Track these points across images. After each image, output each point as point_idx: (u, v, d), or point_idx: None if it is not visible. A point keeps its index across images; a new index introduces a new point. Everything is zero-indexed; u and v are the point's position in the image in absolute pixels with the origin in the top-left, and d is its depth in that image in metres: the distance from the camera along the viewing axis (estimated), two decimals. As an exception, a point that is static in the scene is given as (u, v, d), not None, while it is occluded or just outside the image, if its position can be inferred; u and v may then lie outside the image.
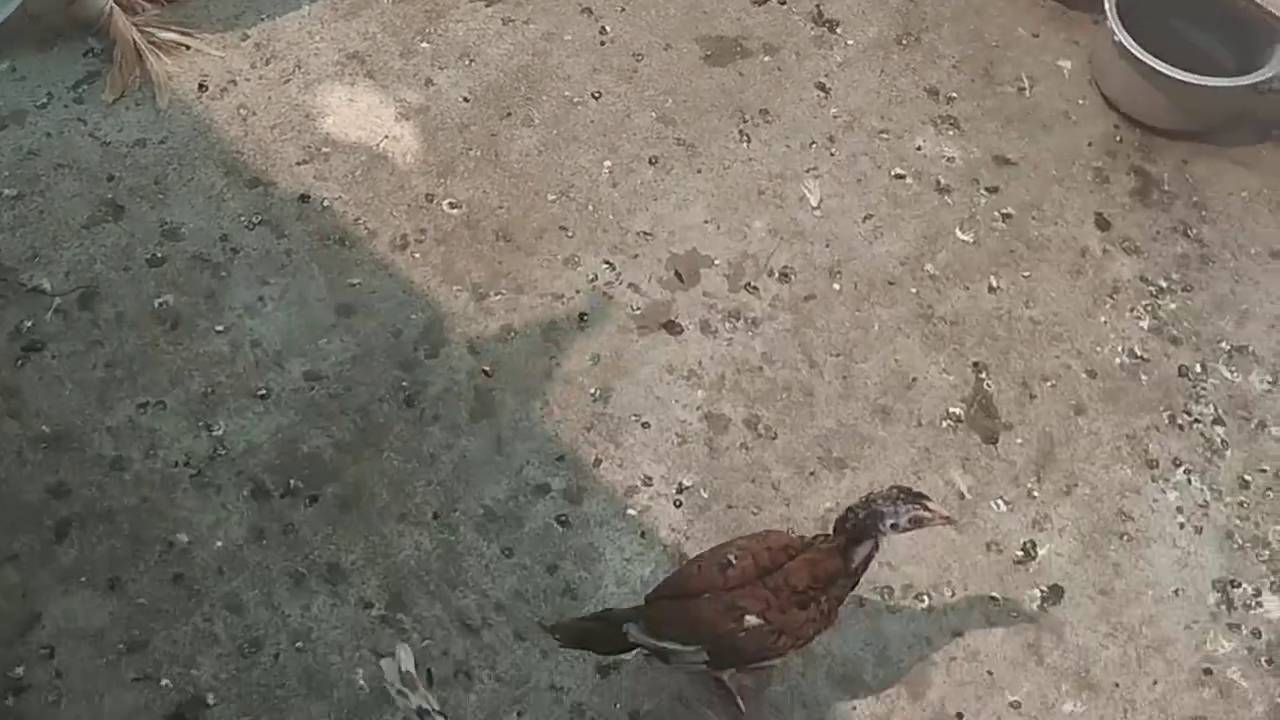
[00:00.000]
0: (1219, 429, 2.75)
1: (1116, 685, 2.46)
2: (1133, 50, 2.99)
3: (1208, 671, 2.49)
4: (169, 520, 2.43)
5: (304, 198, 2.84)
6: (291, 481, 2.50)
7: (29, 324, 2.60)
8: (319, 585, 2.40)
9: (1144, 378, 2.81)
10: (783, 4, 3.27)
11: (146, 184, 2.81)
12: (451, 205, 2.88)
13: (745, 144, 3.05)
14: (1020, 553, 2.58)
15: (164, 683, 2.27)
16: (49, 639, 2.29)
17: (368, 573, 2.42)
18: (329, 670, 2.32)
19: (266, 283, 2.72)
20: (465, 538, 2.48)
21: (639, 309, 2.79)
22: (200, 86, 2.97)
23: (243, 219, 2.79)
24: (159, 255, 2.72)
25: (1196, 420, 2.77)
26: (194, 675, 2.29)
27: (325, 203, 2.84)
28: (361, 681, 2.31)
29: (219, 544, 2.42)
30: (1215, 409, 2.78)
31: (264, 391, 2.59)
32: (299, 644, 2.34)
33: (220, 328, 2.65)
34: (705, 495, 2.59)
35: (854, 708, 2.39)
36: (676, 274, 2.85)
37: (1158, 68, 2.97)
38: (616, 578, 2.47)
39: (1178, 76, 2.96)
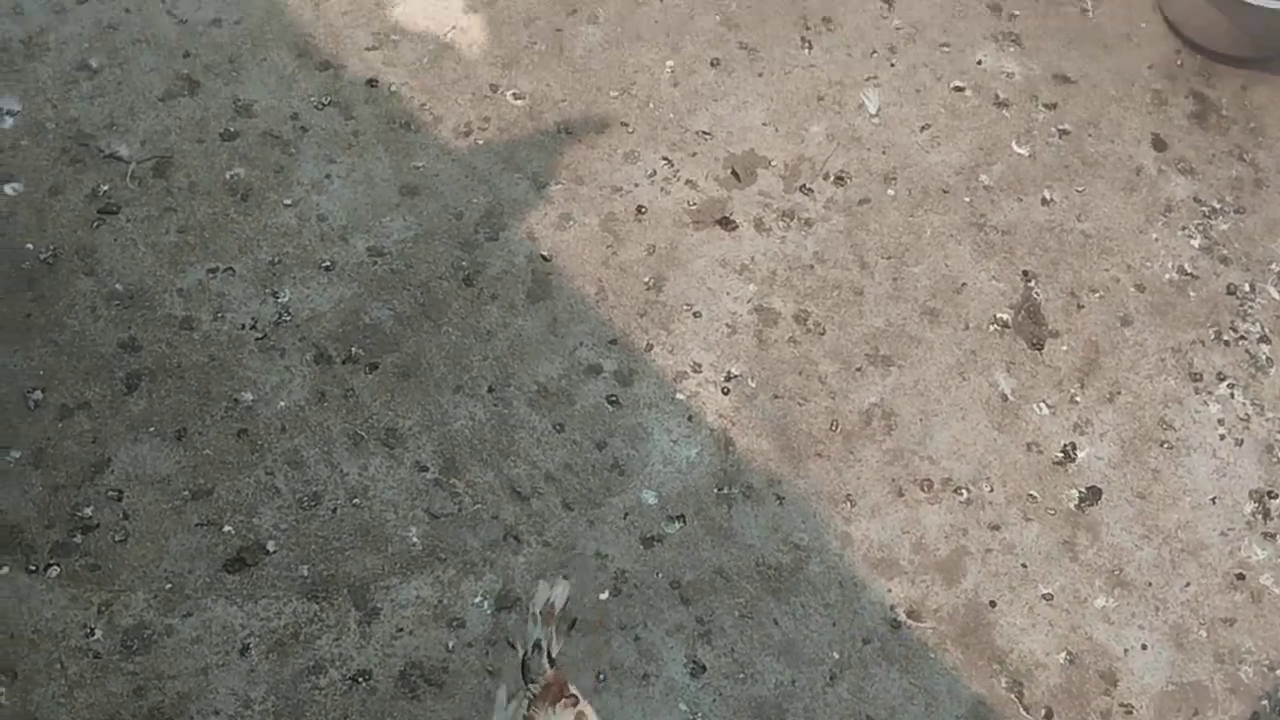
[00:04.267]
0: (1264, 347, 2.78)
1: (1149, 584, 2.51)
2: (1199, -29, 2.99)
3: (1240, 577, 2.53)
4: (235, 379, 2.51)
5: (372, 82, 2.90)
6: (353, 349, 2.57)
7: (105, 188, 2.68)
8: (376, 447, 2.47)
9: (1192, 294, 2.84)
10: (850, -84, 3.29)
11: (221, 61, 2.87)
12: (515, 96, 2.93)
13: (807, 50, 3.08)
14: (1060, 454, 2.62)
15: (226, 529, 2.36)
16: (118, 483, 2.38)
17: (423, 438, 2.49)
18: (384, 526, 2.40)
19: (333, 161, 2.78)
20: (518, 411, 2.55)
21: (695, 204, 2.84)
22: (275, -29, 3.03)
23: (312, 99, 2.85)
24: (231, 130, 2.79)
25: (1242, 337, 2.79)
26: (255, 523, 2.37)
27: (392, 88, 2.90)
28: (415, 539, 2.39)
29: (282, 404, 2.50)
30: (1261, 327, 2.80)
31: (328, 264, 2.66)
32: (356, 500, 2.42)
33: (288, 201, 2.72)
34: (752, 384, 2.64)
35: (889, 590, 2.45)
36: (733, 173, 2.89)
37: (1223, -10, 2.97)
38: (663, 457, 2.54)
39: (1243, -1, 2.97)
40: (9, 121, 2.73)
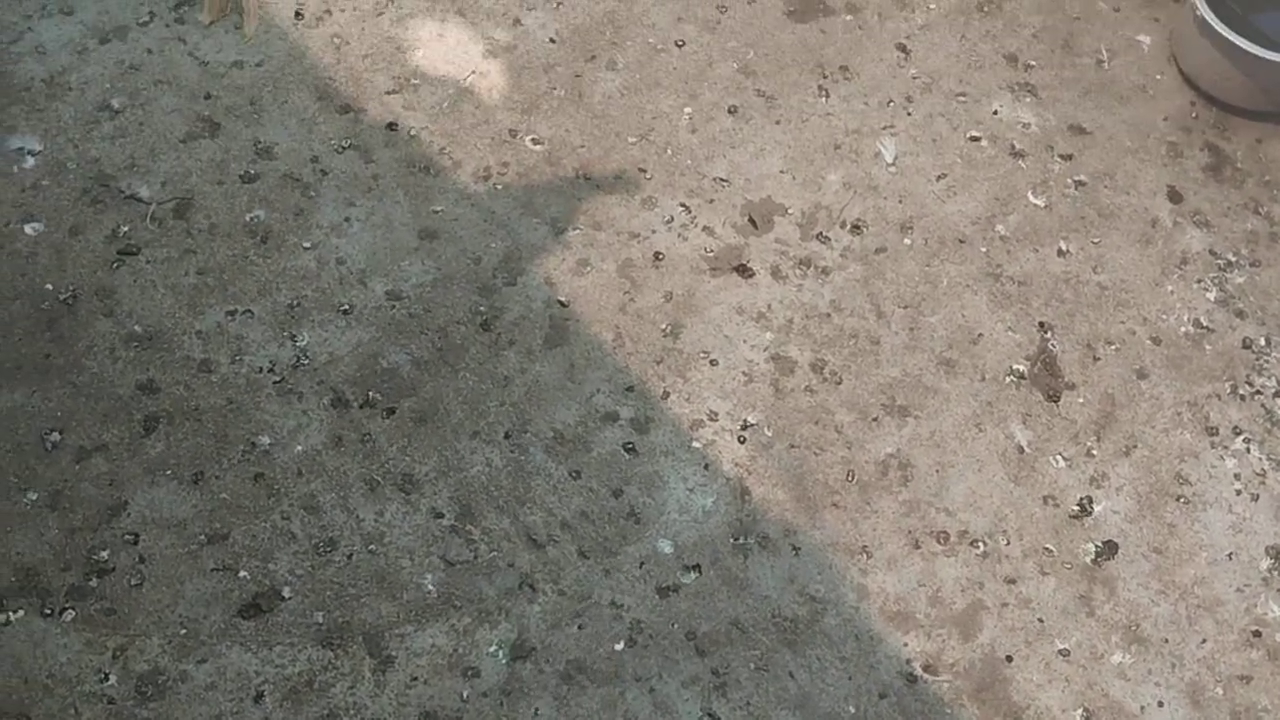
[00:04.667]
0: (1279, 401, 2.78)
1: (1165, 641, 2.50)
2: (1214, 25, 3.01)
3: (1257, 634, 2.52)
4: (252, 422, 2.51)
5: (392, 126, 2.91)
6: (370, 394, 2.57)
7: (126, 229, 2.69)
8: (393, 493, 2.47)
9: (1208, 347, 2.84)
10: (867, -35, 3.32)
11: (242, 104, 2.89)
12: (534, 141, 2.94)
13: (824, 99, 3.10)
14: (1076, 508, 2.62)
15: (242, 574, 2.36)
16: (134, 526, 2.38)
17: (440, 484, 2.49)
18: (399, 573, 2.39)
19: (353, 204, 2.79)
20: (535, 458, 2.55)
21: (712, 251, 2.85)
22: (296, 14, 3.05)
23: (333, 142, 2.87)
24: (252, 172, 2.80)
25: (1258, 392, 2.79)
26: (271, 569, 2.37)
27: (412, 132, 2.91)
28: (430, 586, 2.39)
29: (299, 448, 2.50)
30: (1277, 382, 2.80)
31: (347, 307, 2.66)
32: (372, 547, 2.41)
33: (308, 244, 2.73)
34: (769, 433, 2.64)
35: (905, 644, 2.44)
36: (750, 220, 2.90)
37: (1238, 44, 2.99)
38: (679, 506, 2.53)
39: (1258, 54, 2.99)
40: (30, 161, 2.75)
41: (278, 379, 2.57)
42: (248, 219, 2.74)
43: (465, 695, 2.29)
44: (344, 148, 2.87)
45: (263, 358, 2.58)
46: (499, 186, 2.87)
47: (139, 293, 2.62)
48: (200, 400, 2.52)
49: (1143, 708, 2.42)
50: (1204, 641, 2.50)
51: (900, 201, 2.96)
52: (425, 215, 2.80)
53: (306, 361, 2.59)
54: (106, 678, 2.23)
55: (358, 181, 2.82)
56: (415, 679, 2.30)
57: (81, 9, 2.96)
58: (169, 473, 2.44)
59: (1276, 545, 2.61)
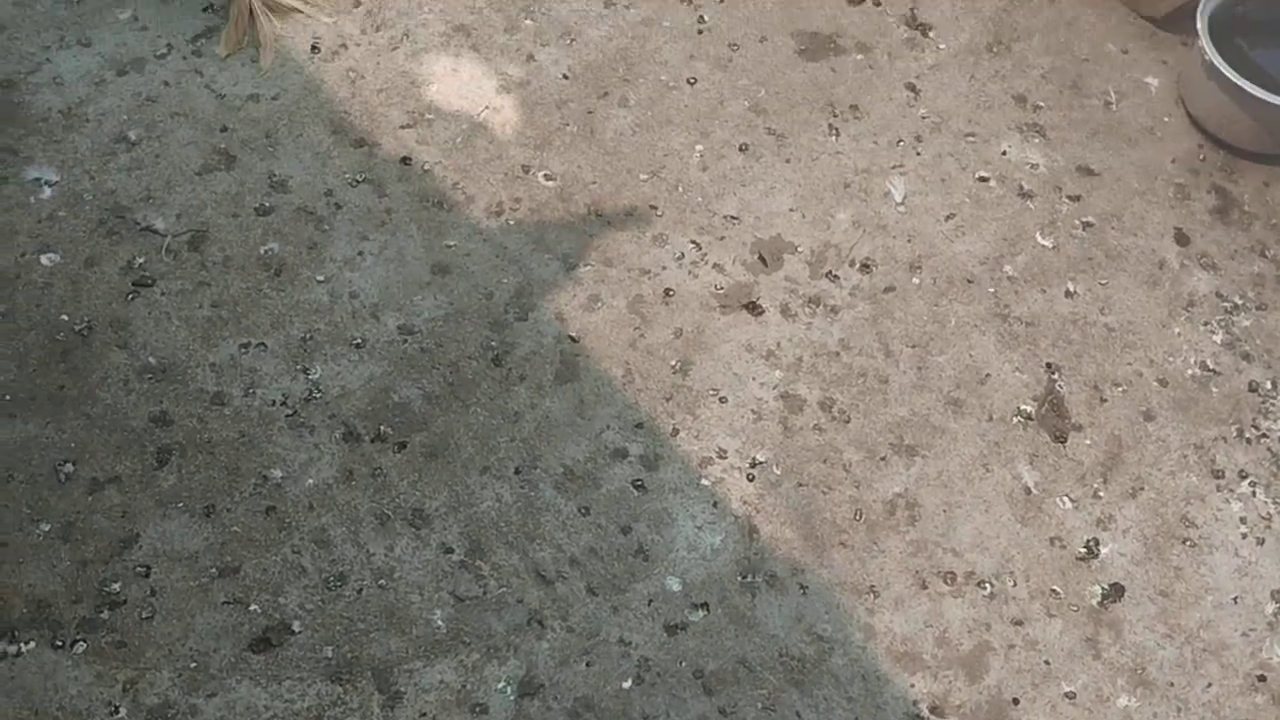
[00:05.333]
0: (1286, 445, 2.80)
1: (1171, 685, 2.50)
2: (1222, 70, 3.04)
3: (1261, 679, 2.53)
4: (264, 455, 2.52)
5: (406, 160, 2.94)
6: (381, 428, 2.59)
7: (141, 261, 2.71)
8: (403, 528, 2.48)
9: (1214, 390, 2.86)
10: (877, 5, 3.35)
11: (258, 137, 2.92)
12: (546, 177, 2.97)
13: (834, 138, 3.12)
14: (1083, 550, 2.63)
15: (252, 608, 2.37)
16: (146, 559, 2.39)
17: (450, 519, 2.51)
18: (409, 608, 2.40)
19: (366, 238, 2.81)
20: (544, 494, 2.56)
21: (722, 289, 2.87)
22: (313, 48, 3.08)
23: (347, 176, 2.89)
24: (266, 205, 2.82)
25: (1264, 435, 2.81)
26: (281, 603, 2.38)
27: (426, 166, 2.93)
28: (439, 621, 2.40)
29: (310, 481, 2.51)
30: (1284, 425, 2.82)
31: (359, 341, 2.68)
32: (381, 581, 2.42)
33: (321, 278, 2.75)
34: (778, 471, 2.65)
35: (912, 685, 2.45)
36: (760, 258, 2.92)
37: (1246, 88, 3.02)
38: (688, 543, 2.55)
39: (1265, 98, 3.01)
40: (47, 192, 2.77)
41: (290, 412, 2.58)
42: (262, 252, 2.76)
43: (473, 732, 2.30)
44: (358, 181, 2.89)
45: (275, 391, 2.60)
46: (511, 222, 2.89)
47: (153, 325, 2.64)
48: (213, 433, 2.53)
49: (1148, 752, 2.43)
50: (1209, 685, 2.51)
51: (909, 241, 2.98)
52: (438, 250, 2.82)
53: (319, 395, 2.61)
54: (116, 710, 2.23)
55: (371, 215, 2.85)
56: (423, 715, 2.31)
57: (99, 41, 2.99)
58: (181, 505, 2.45)
59: (1282, 589, 2.62)
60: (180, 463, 2.49)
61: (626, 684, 2.39)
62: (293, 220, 2.82)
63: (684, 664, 2.42)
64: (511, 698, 2.34)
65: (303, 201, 2.84)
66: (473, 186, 2.93)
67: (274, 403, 2.59)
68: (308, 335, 2.68)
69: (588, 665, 2.40)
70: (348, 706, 2.30)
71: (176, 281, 2.70)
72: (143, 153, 2.86)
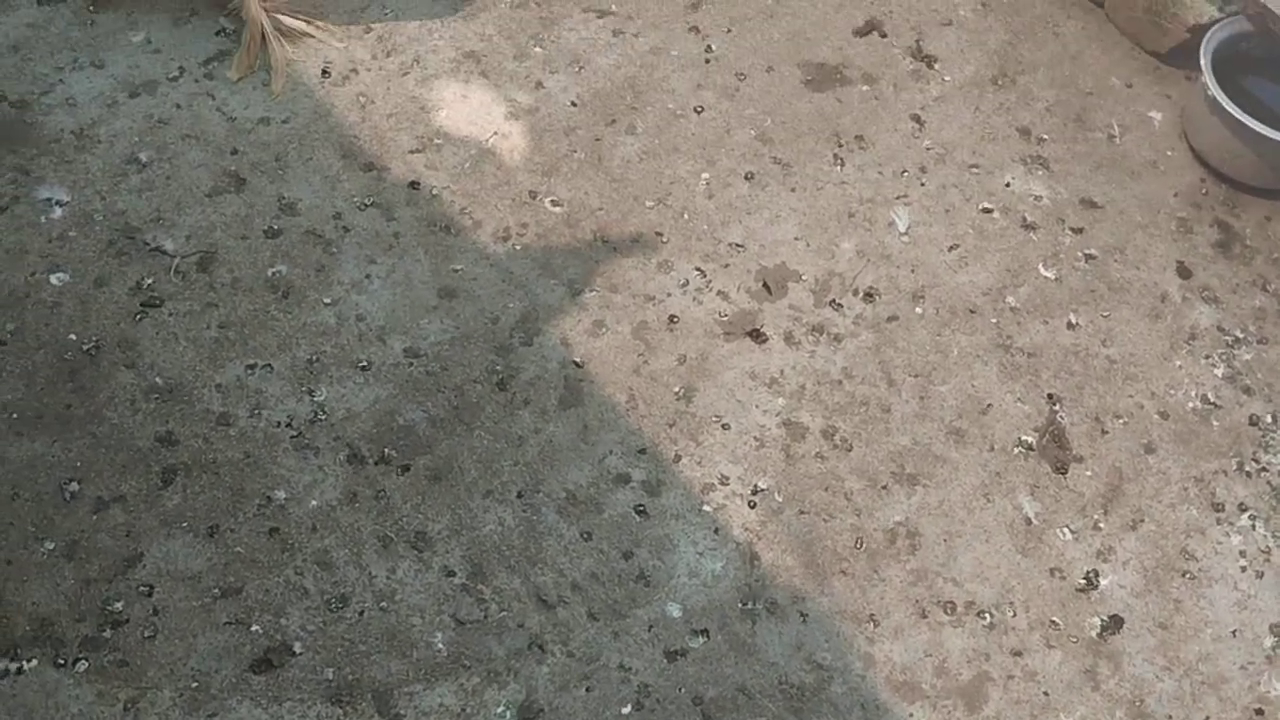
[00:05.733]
0: (1287, 479, 2.80)
1: (1169, 717, 2.51)
2: (1225, 106, 3.06)
3: (1259, 712, 2.53)
4: (269, 476, 2.54)
5: (414, 185, 2.96)
6: (386, 450, 2.60)
7: (149, 281, 2.73)
8: (405, 550, 2.50)
9: (1215, 423, 2.87)
10: (884, 36, 3.38)
11: (268, 160, 2.94)
12: (553, 203, 2.99)
13: (839, 167, 3.14)
14: (1083, 581, 2.64)
15: (254, 628, 2.38)
16: (149, 578, 2.40)
17: (452, 543, 2.52)
18: (410, 631, 2.41)
19: (374, 262, 2.83)
20: (547, 518, 2.57)
21: (726, 316, 2.88)
22: (323, 73, 3.11)
23: (355, 200, 2.92)
24: (275, 227, 2.85)
25: (1264, 469, 2.82)
26: (283, 624, 2.39)
27: (434, 191, 2.96)
28: (440, 645, 2.40)
29: (314, 503, 2.52)
30: (1284, 459, 2.83)
31: (365, 364, 2.70)
32: (383, 604, 2.43)
33: (328, 300, 2.77)
34: (779, 499, 2.67)
35: (911, 714, 2.45)
36: (765, 285, 2.94)
37: (1249, 124, 3.04)
38: (689, 569, 2.55)
39: (1268, 134, 3.03)
40: (58, 212, 2.79)
41: (295, 434, 2.60)
42: (270, 274, 2.78)
43: (472, 756, 2.31)
44: (366, 205, 2.91)
45: (281, 412, 2.62)
46: (518, 247, 2.91)
47: (161, 345, 2.66)
48: (218, 453, 2.55)
49: (1147, 785, 2.43)
50: (1207, 718, 2.51)
51: (913, 271, 3.00)
52: (445, 274, 2.84)
53: (324, 417, 2.63)
54: (117, 730, 2.24)
55: (379, 239, 2.87)
56: (423, 738, 2.31)
57: (112, 63, 3.02)
58: (185, 525, 2.46)
59: (1282, 624, 2.62)
60: (185, 483, 2.51)
61: (626, 710, 2.39)
62: (301, 243, 2.84)
63: (683, 690, 2.42)
64: (511, 722, 2.35)
65: (311, 224, 2.87)
66: (480, 211, 2.95)
67: (279, 424, 2.60)
68: (314, 357, 2.69)
69: (587, 690, 2.41)
70: (348, 728, 2.30)
71: (184, 302, 2.72)
72: (153, 174, 2.89)
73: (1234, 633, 2.61)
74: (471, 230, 2.92)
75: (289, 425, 2.61)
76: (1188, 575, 2.67)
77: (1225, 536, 2.72)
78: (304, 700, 2.32)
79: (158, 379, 2.62)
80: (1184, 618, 2.62)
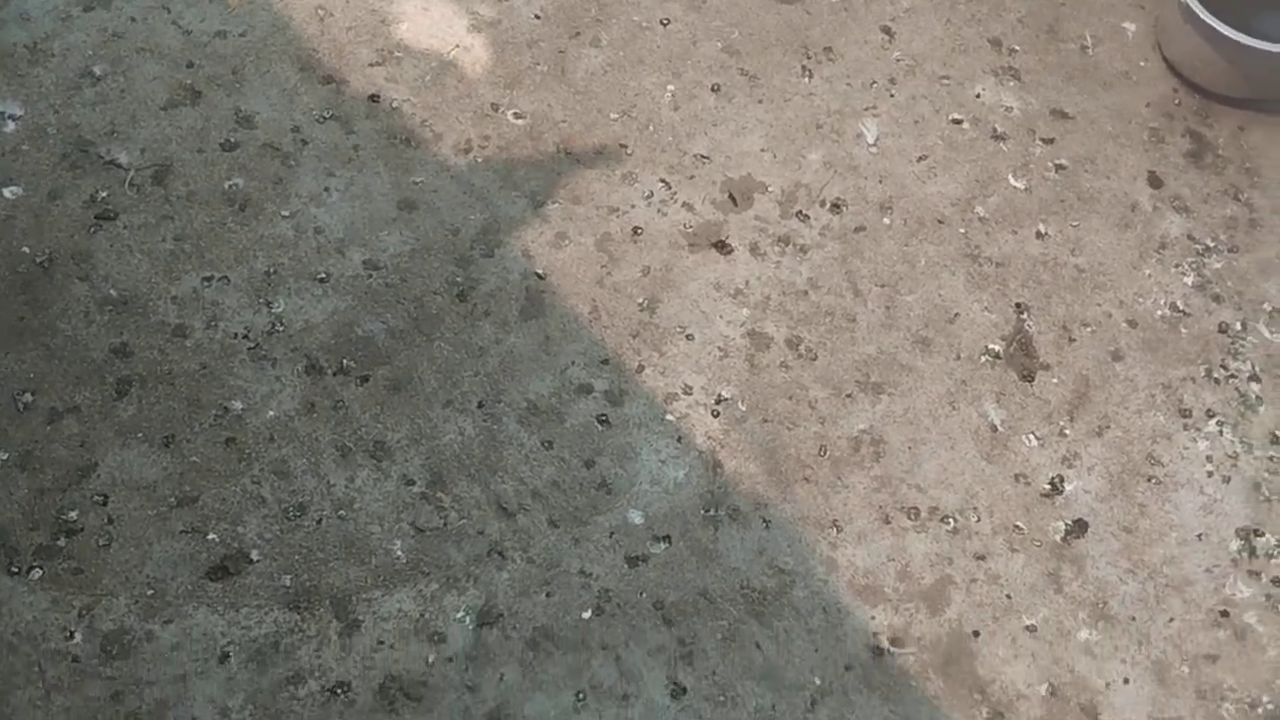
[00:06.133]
0: (1254, 385, 2.78)
1: (1133, 619, 2.50)
2: (1198, 13, 3.01)
3: (1224, 614, 2.53)
4: (225, 387, 2.51)
5: (374, 98, 2.92)
6: (344, 361, 2.58)
7: (104, 194, 2.69)
8: (364, 460, 2.48)
9: (1184, 331, 2.84)
10: (853, -52, 3.32)
11: (224, 73, 2.90)
12: (516, 116, 2.95)
13: (807, 79, 3.10)
14: (1048, 486, 2.62)
15: (210, 536, 2.36)
16: (104, 488, 2.38)
17: (411, 452, 2.50)
18: (369, 539, 2.40)
19: (333, 174, 2.79)
20: (507, 428, 2.55)
21: (691, 227, 2.85)
22: (281, -14, 3.05)
23: (314, 113, 2.87)
24: (232, 140, 2.80)
25: (1232, 375, 2.80)
26: (239, 532, 2.37)
27: (394, 104, 2.91)
28: (399, 552, 2.39)
29: (271, 413, 2.50)
30: (1252, 366, 2.81)
31: (323, 276, 2.67)
32: (341, 512, 2.42)
33: (286, 213, 2.73)
34: (743, 408, 2.64)
35: (873, 617, 2.44)
36: (730, 197, 2.90)
37: (1223, 32, 2.99)
38: (651, 477, 2.54)
39: (1242, 41, 2.99)
40: (11, 126, 2.75)
41: (252, 345, 2.57)
42: (226, 187, 2.74)
43: (430, 660, 2.30)
44: (325, 118, 2.87)
45: (238, 324, 2.59)
46: (479, 159, 2.87)
47: (115, 257, 2.62)
48: (174, 365, 2.52)
49: (1108, 684, 2.43)
50: (1171, 620, 2.51)
51: (880, 182, 2.97)
52: (405, 186, 2.81)
53: (281, 329, 2.60)
54: (72, 636, 2.23)
55: (338, 152, 2.83)
56: (381, 643, 2.30)
57: (66, -24, 2.97)
58: (140, 435, 2.44)
59: (1247, 527, 2.61)
60: (140, 394, 2.48)
61: (586, 614, 2.38)
62: (258, 156, 2.80)
63: (644, 595, 2.41)
64: (470, 627, 2.34)
65: (269, 137, 2.83)
66: (441, 124, 2.91)
67: (236, 336, 2.57)
68: (271, 270, 2.66)
69: (547, 596, 2.39)
70: (305, 634, 2.29)
71: (139, 215, 2.69)
72: (108, 88, 2.84)
73: (1199, 536, 2.60)
74: (432, 143, 2.88)
75: (246, 337, 2.58)
76: (1153, 480, 2.65)
77: (1192, 442, 2.71)
78: (261, 606, 2.30)
79: (112, 291, 2.59)
80: (1149, 522, 2.61)
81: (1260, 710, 2.43)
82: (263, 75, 2.91)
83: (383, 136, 2.87)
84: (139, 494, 2.39)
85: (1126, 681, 2.43)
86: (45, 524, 2.33)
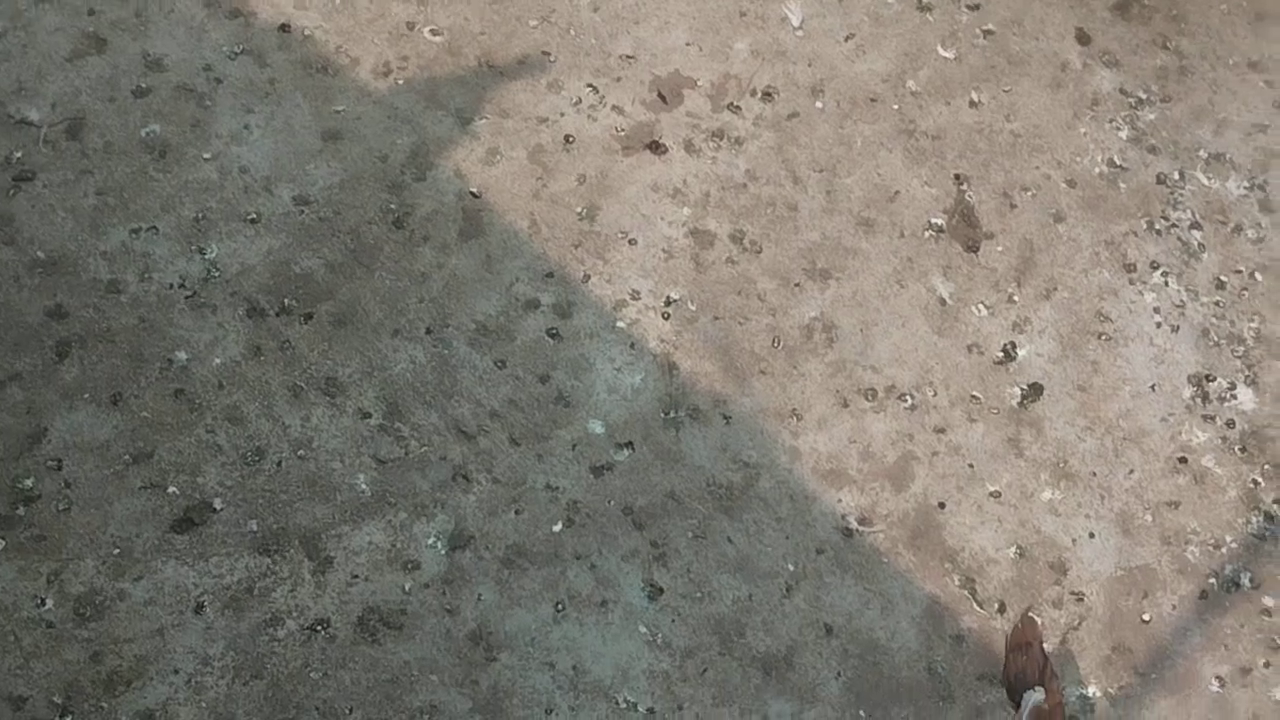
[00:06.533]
0: (1196, 233, 2.80)
1: (1094, 474, 2.54)
2: None
3: (1183, 460, 2.57)
4: (167, 339, 2.47)
5: (284, 27, 2.84)
6: (286, 301, 2.54)
7: (19, 155, 2.62)
8: (317, 397, 2.45)
9: (1123, 186, 2.85)
10: None
11: (127, 17, 2.80)
12: (433, 32, 2.88)
13: (725, -33, 3.04)
14: (1001, 354, 2.64)
15: (171, 490, 2.34)
16: (56, 452, 2.35)
17: (364, 385, 2.48)
18: (331, 476, 2.38)
19: (251, 111, 2.73)
20: (458, 351, 2.53)
21: (623, 130, 2.81)
22: (175, -80, 2.94)
23: (225, 49, 2.79)
24: (143, 86, 2.72)
25: (1174, 225, 2.81)
26: (199, 483, 2.35)
27: (306, 32, 2.84)
28: (363, 486, 2.38)
29: (217, 361, 2.46)
30: (1192, 214, 2.82)
31: (254, 216, 2.61)
32: (300, 452, 2.40)
33: (208, 155, 2.67)
34: (693, 307, 2.63)
35: (840, 500, 2.47)
36: (660, 95, 2.86)
37: (1138, -123, 2.95)
38: (608, 386, 2.53)
39: (1158, -115, 2.95)
40: (-88, 93, 2.66)
41: (189, 293, 2.52)
42: (143, 134, 2.67)
43: (407, 588, 2.30)
44: (236, 54, 2.79)
45: (172, 274, 2.54)
46: (400, 81, 2.81)
47: (38, 218, 2.56)
48: (111, 321, 2.48)
49: (1074, 540, 2.47)
50: (1131, 472, 2.55)
51: (809, 65, 2.93)
52: (327, 116, 2.74)
53: (217, 274, 2.55)
54: (43, 602, 2.21)
55: (254, 87, 2.76)
56: (356, 577, 2.30)
57: (-52, -69, 2.85)
58: (87, 396, 2.40)
59: (1198, 373, 2.65)
60: (81, 354, 2.44)
61: (557, 527, 2.39)
62: (172, 99, 2.72)
63: (612, 503, 2.42)
64: (443, 551, 2.34)
65: (181, 79, 2.75)
66: (357, 49, 2.83)
67: (171, 285, 2.53)
68: (200, 215, 2.60)
69: (516, 513, 2.40)
70: (278, 576, 2.29)
71: (58, 172, 2.61)
72: (9, 44, 2.74)
73: (1153, 387, 2.64)
74: (350, 69, 2.81)
75: (182, 286, 2.53)
76: (1104, 337, 2.68)
77: (1139, 295, 2.73)
78: (230, 554, 2.30)
79: (39, 253, 2.52)
80: (1102, 378, 2.63)
81: (1224, 550, 2.49)
82: (167, 15, 2.82)
83: (298, 67, 2.80)
84: (93, 455, 2.35)
85: (1092, 536, 2.48)
86: (1, 494, 2.30)
